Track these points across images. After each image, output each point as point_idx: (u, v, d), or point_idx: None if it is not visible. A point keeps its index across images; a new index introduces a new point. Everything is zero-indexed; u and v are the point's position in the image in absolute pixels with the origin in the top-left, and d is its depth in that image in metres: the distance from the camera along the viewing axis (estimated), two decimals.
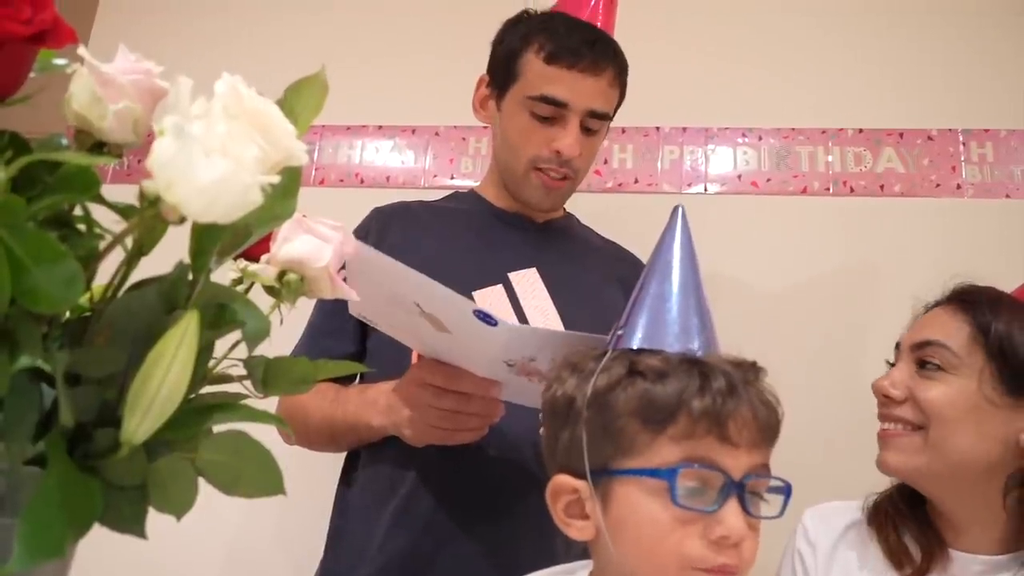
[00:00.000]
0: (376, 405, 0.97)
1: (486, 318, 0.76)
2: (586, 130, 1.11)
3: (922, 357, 0.90)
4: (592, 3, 1.17)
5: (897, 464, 0.90)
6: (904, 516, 0.92)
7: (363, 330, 1.12)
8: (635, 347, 0.67)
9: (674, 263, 0.71)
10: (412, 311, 0.82)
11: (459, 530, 0.99)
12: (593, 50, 1.08)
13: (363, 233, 1.15)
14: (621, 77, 1.14)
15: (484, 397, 0.89)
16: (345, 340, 1.11)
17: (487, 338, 0.79)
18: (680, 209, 0.74)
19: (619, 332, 0.70)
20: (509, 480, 0.99)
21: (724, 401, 0.62)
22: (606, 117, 1.12)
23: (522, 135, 1.11)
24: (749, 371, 0.66)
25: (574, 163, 1.11)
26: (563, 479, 0.67)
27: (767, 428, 0.65)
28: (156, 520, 0.42)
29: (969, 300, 0.91)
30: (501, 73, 1.14)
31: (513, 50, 1.12)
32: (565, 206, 1.28)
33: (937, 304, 0.95)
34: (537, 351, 0.81)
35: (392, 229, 1.16)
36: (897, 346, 0.97)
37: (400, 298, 0.82)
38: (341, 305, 1.11)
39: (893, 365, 0.96)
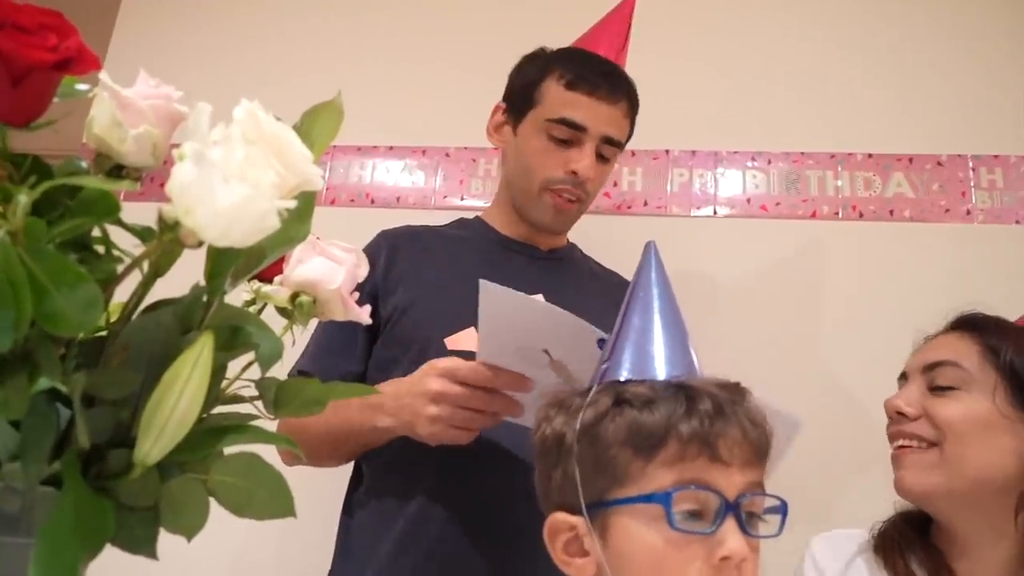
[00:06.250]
0: (382, 407, 0.96)
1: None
2: (599, 156, 1.15)
3: (934, 377, 0.90)
4: (606, 44, 1.25)
5: (914, 484, 0.89)
6: (911, 542, 0.92)
7: (369, 350, 1.13)
8: (623, 379, 0.68)
9: (653, 298, 0.72)
10: (539, 363, 0.83)
11: (465, 555, 0.99)
12: (610, 80, 1.14)
13: (374, 255, 1.15)
14: (633, 111, 1.19)
15: (504, 396, 0.89)
16: (352, 360, 1.11)
17: None
18: (652, 245, 0.76)
19: (604, 366, 0.71)
20: (515, 504, 0.98)
21: (712, 422, 0.62)
22: (619, 145, 1.17)
23: (538, 156, 1.14)
24: (735, 392, 0.66)
25: (587, 186, 1.15)
26: (559, 517, 0.67)
27: (758, 447, 0.65)
28: (160, 537, 0.43)
29: (975, 325, 0.93)
30: (519, 99, 1.18)
31: (533, 78, 1.17)
32: (568, 236, 1.29)
33: (941, 333, 0.96)
34: None
35: (401, 253, 1.17)
36: (903, 376, 0.97)
37: (528, 351, 0.83)
38: (350, 323, 1.11)
39: None
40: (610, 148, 1.15)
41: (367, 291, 1.12)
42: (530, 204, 1.17)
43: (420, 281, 1.13)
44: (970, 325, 0.93)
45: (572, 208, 1.17)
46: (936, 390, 0.90)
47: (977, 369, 0.88)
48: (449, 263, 1.17)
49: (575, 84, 1.12)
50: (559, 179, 1.13)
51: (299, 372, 1.09)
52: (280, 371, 0.49)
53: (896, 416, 0.92)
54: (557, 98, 1.13)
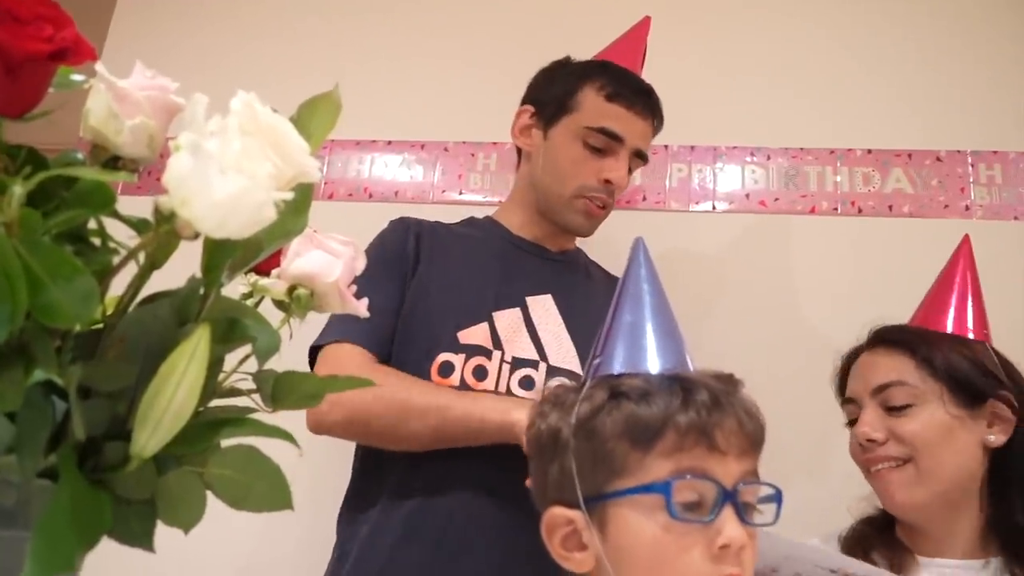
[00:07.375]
0: (520, 404, 0.96)
1: None
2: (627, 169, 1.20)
3: (887, 399, 0.97)
4: (631, 59, 1.27)
5: (904, 502, 0.94)
6: (871, 539, 0.98)
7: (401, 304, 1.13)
8: (616, 372, 0.68)
9: (644, 292, 0.73)
10: None
11: (469, 546, 0.99)
12: (645, 98, 1.20)
13: (402, 234, 1.18)
14: (658, 130, 1.25)
15: None
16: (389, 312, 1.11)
17: None
18: (641, 241, 0.77)
19: (596, 361, 0.71)
20: (517, 498, 0.98)
21: (709, 413, 0.63)
22: (646, 159, 1.23)
23: (574, 163, 1.18)
24: (729, 383, 0.67)
25: (615, 194, 1.20)
26: (557, 512, 0.67)
27: (753, 436, 0.66)
28: (163, 532, 0.42)
29: (901, 341, 0.99)
30: (553, 105, 1.21)
31: (569, 86, 1.20)
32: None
33: (861, 352, 1.03)
34: None
35: (423, 242, 1.20)
36: (849, 401, 1.03)
37: None
38: (387, 296, 1.10)
39: (851, 422, 1.02)
40: (637, 161, 1.20)
41: (407, 255, 1.15)
42: (560, 207, 1.20)
43: (432, 276, 1.14)
44: (895, 342, 1.00)
45: (601, 214, 1.21)
46: (893, 410, 0.96)
47: (921, 382, 0.95)
48: (463, 258, 1.19)
49: (615, 97, 1.17)
50: (592, 186, 1.17)
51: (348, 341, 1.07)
52: (277, 364, 0.49)
53: (867, 443, 0.97)
54: (596, 108, 1.17)
